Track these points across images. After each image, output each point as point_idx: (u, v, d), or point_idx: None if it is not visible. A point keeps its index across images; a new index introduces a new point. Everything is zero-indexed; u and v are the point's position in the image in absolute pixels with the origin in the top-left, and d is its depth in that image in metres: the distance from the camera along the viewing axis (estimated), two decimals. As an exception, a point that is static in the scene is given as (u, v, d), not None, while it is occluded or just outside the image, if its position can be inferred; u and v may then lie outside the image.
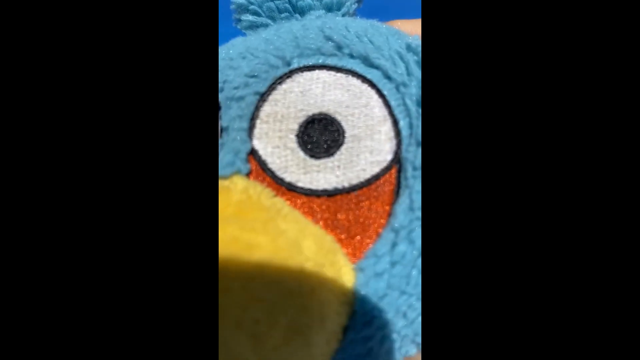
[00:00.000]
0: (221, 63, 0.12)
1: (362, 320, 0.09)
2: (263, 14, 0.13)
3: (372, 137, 0.10)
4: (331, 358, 0.09)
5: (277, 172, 0.10)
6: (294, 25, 0.12)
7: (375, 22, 0.12)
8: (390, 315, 0.09)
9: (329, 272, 0.09)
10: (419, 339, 0.10)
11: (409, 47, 0.11)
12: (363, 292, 0.09)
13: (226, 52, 0.12)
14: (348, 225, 0.10)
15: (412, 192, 0.10)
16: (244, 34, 0.14)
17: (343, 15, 0.13)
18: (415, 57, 0.11)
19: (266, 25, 0.13)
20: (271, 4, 0.13)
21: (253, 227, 0.09)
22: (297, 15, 0.13)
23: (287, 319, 0.08)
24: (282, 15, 0.13)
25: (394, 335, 0.09)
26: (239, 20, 0.14)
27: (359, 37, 0.11)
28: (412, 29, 0.14)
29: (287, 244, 0.09)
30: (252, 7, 0.13)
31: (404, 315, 0.09)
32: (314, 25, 0.12)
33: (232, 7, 0.14)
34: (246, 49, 0.12)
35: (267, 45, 0.11)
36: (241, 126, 0.10)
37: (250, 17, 0.13)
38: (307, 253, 0.09)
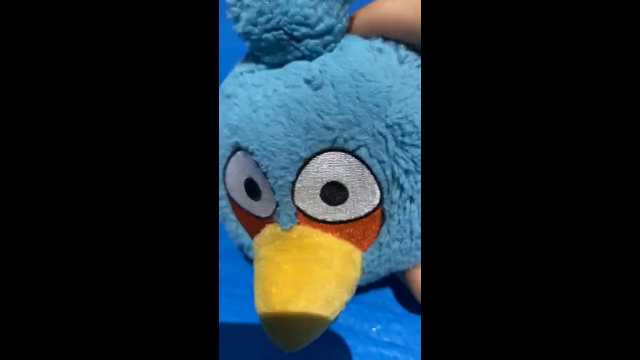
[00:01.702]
0: (260, 151, 0.16)
1: (366, 272, 0.18)
2: (264, 42, 0.16)
3: (365, 192, 0.16)
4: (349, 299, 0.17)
5: (313, 216, 0.17)
6: (300, 111, 0.15)
7: (360, 86, 0.15)
8: (381, 268, 0.18)
9: (349, 266, 0.17)
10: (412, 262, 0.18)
11: (388, 126, 0.15)
12: (368, 263, 0.18)
13: (257, 134, 0.16)
14: (354, 234, 0.17)
15: (390, 225, 0.17)
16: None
17: (335, 35, 0.16)
18: (392, 134, 0.15)
19: (269, 50, 0.16)
20: (269, 36, 0.15)
21: (308, 261, 0.17)
22: (294, 42, 0.16)
23: (332, 293, 0.16)
24: (282, 43, 0.16)
25: (387, 270, 0.18)
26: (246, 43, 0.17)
27: (350, 122, 0.15)
28: (414, 13, 0.15)
29: (325, 265, 0.16)
30: (252, 37, 0.16)
31: (391, 267, 0.18)
32: (314, 111, 0.15)
33: (235, 30, 0.16)
34: (273, 140, 0.16)
35: (286, 141, 0.16)
36: (288, 200, 0.16)
37: (252, 44, 0.16)
38: (336, 264, 0.17)
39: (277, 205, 0.17)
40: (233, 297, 0.22)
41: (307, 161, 0.16)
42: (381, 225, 0.17)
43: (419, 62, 0.16)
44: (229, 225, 0.20)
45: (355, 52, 0.16)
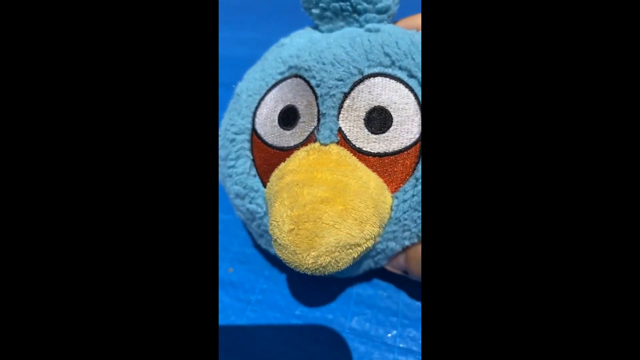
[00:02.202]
0: (313, 62, 0.17)
1: (394, 219, 0.16)
2: (329, 10, 0.19)
3: (408, 123, 0.16)
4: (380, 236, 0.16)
5: (352, 142, 0.16)
6: (364, 39, 0.17)
7: (414, 38, 0.17)
8: (408, 221, 0.17)
9: (382, 197, 0.16)
10: (419, 235, 0.17)
11: None
12: (397, 205, 0.16)
13: (314, 52, 0.18)
14: (390, 172, 0.16)
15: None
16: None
17: (389, 16, 0.19)
18: None
19: (330, 18, 0.19)
20: (336, 5, 0.18)
21: (346, 174, 0.15)
22: (355, 14, 0.19)
23: (366, 214, 0.15)
24: (344, 13, 0.19)
25: (409, 231, 0.17)
26: (309, 11, 0.19)
27: (406, 55, 0.17)
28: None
29: (362, 183, 0.15)
30: (321, 4, 0.18)
31: (415, 221, 0.17)
32: (377, 42, 0.17)
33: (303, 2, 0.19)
34: (333, 55, 0.17)
35: (346, 55, 0.17)
36: (334, 113, 0.17)
37: (317, 11, 0.19)
38: (372, 187, 0.16)
39: (320, 119, 0.17)
40: (246, 303, 0.22)
41: (362, 79, 0.16)
42: (417, 162, 0.16)
43: None
44: (243, 163, 0.19)
45: (398, 29, 0.18)
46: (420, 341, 0.19)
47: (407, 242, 0.17)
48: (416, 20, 0.20)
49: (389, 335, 0.20)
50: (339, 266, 0.14)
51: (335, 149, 0.16)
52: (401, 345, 0.19)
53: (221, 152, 0.20)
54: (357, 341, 0.20)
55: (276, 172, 0.17)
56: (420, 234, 0.17)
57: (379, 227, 0.15)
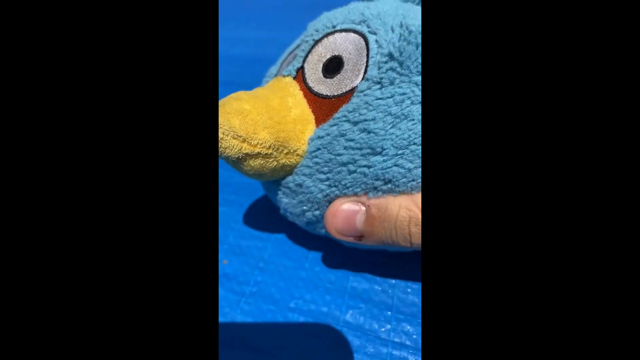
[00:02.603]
0: (313, 23, 0.21)
1: (308, 153, 0.18)
2: None
3: (353, 72, 0.17)
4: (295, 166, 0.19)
5: (307, 80, 0.19)
6: (361, 4, 0.20)
7: (414, 8, 0.19)
8: (319, 159, 0.18)
9: (299, 124, 0.18)
10: (337, 186, 0.18)
11: (403, 25, 0.17)
12: (312, 139, 0.18)
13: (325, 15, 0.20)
14: (323, 113, 0.18)
15: (350, 104, 0.17)
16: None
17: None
18: (401, 30, 0.16)
19: None
20: None
21: (276, 93, 0.18)
22: None
23: (266, 123, 0.17)
24: None
25: (323, 174, 0.18)
26: None
27: (379, 15, 0.18)
28: None
29: (284, 105, 0.18)
30: None
31: (327, 164, 0.18)
32: (365, 5, 0.19)
33: None
34: (327, 15, 0.20)
35: (333, 14, 0.20)
36: (302, 55, 0.19)
37: None
38: (292, 114, 0.18)
39: (295, 55, 0.20)
40: (240, 295, 0.22)
41: (333, 32, 0.19)
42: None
43: None
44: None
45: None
46: (414, 336, 0.19)
47: (322, 186, 0.18)
48: None
49: (383, 329, 0.20)
50: (222, 148, 0.17)
51: (287, 79, 0.19)
52: (395, 340, 0.19)
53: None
54: (351, 335, 0.20)
55: None
56: (336, 186, 0.18)
57: (276, 141, 0.17)
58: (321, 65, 0.18)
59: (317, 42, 0.19)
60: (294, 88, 0.19)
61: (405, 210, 0.16)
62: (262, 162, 0.18)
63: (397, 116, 0.16)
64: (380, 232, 0.17)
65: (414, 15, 0.18)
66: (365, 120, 0.16)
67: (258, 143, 0.17)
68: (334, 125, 0.17)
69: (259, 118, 0.17)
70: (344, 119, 0.17)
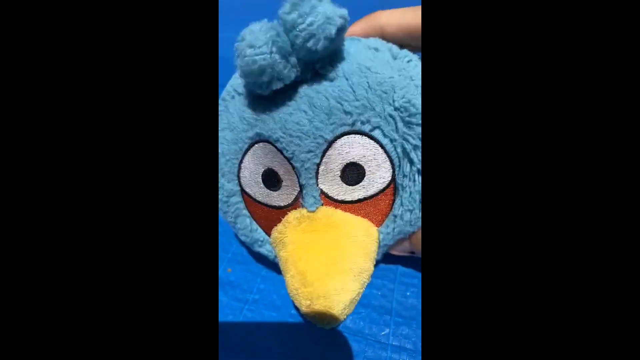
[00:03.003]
0: (285, 137, 0.18)
1: (382, 246, 0.19)
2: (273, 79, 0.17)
3: (380, 171, 0.18)
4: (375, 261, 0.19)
5: (334, 197, 0.19)
6: (321, 98, 0.17)
7: (371, 77, 0.17)
8: (392, 243, 0.20)
9: (369, 237, 0.19)
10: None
11: (396, 109, 0.17)
12: (383, 237, 0.19)
13: (282, 123, 0.18)
14: (369, 211, 0.19)
15: (402, 198, 0.18)
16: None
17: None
18: (400, 115, 0.17)
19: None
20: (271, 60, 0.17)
21: (336, 236, 0.18)
22: (293, 57, 0.17)
23: (361, 265, 0.18)
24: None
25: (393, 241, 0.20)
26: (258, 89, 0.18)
27: (365, 107, 0.17)
28: (398, 20, 0.19)
29: (352, 239, 0.18)
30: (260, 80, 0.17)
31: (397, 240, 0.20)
32: (334, 99, 0.17)
33: None
34: (298, 127, 0.17)
35: (311, 126, 0.17)
36: (313, 182, 0.18)
37: (265, 90, 0.17)
38: (360, 236, 0.18)
39: (302, 189, 0.18)
40: (244, 302, 0.22)
41: (330, 144, 0.18)
42: (393, 201, 0.18)
43: (409, 58, 0.19)
44: (242, 221, 0.21)
45: (357, 50, 0.18)
46: (413, 339, 0.20)
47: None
48: (382, 17, 0.20)
49: (383, 333, 0.20)
50: (351, 310, 0.17)
51: (321, 212, 0.19)
52: (394, 343, 0.19)
53: (220, 208, 0.22)
54: (351, 339, 0.20)
55: (276, 235, 0.20)
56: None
57: (372, 264, 0.18)
58: (338, 178, 0.18)
59: (319, 164, 0.18)
60: (334, 213, 0.18)
61: None
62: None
63: None
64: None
65: (386, 77, 0.17)
66: (418, 202, 0.18)
67: (365, 282, 0.18)
68: (397, 219, 0.19)
69: (357, 268, 0.17)
70: (406, 210, 0.18)
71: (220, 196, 0.21)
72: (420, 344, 0.19)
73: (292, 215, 0.19)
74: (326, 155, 0.18)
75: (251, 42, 0.16)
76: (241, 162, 0.20)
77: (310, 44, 0.15)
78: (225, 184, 0.20)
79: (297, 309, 0.19)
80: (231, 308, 0.22)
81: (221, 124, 0.20)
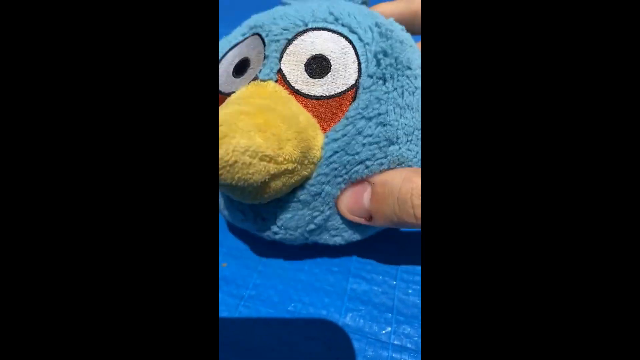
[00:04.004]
0: (267, 20, 0.19)
1: (324, 159, 0.17)
2: None
3: (345, 70, 0.17)
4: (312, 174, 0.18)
5: (291, 83, 0.18)
6: (314, 3, 0.19)
7: (363, 7, 0.20)
8: (337, 164, 0.17)
9: (310, 131, 0.17)
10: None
11: (376, 24, 0.18)
12: (327, 143, 0.17)
13: (270, 14, 0.20)
14: (324, 115, 0.17)
15: (360, 101, 0.17)
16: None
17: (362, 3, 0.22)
18: (378, 29, 0.18)
19: None
20: None
21: (276, 102, 0.16)
22: None
23: (287, 135, 0.15)
24: None
25: (341, 177, 0.18)
26: None
27: (349, 15, 0.19)
28: (391, 9, 0.23)
29: (291, 113, 0.16)
30: None
31: (345, 166, 0.17)
32: (325, 4, 0.19)
33: None
34: (284, 13, 0.19)
35: (295, 12, 0.19)
36: (276, 55, 0.18)
37: None
38: (300, 120, 0.16)
39: (263, 62, 0.18)
40: (239, 299, 0.22)
41: (306, 30, 0.18)
42: (348, 109, 0.17)
43: (406, 33, 0.20)
44: None
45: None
46: (415, 338, 0.19)
47: (336, 190, 0.18)
48: (385, 9, 0.23)
49: (384, 332, 0.19)
50: (250, 174, 0.14)
51: (271, 84, 0.17)
52: (395, 342, 0.19)
53: None
54: (351, 337, 0.19)
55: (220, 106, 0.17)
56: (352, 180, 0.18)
57: (302, 154, 0.16)
58: (302, 66, 0.18)
59: (290, 41, 0.18)
60: (284, 92, 0.17)
61: (407, 182, 0.16)
62: (284, 180, 0.16)
63: (402, 107, 0.17)
64: (386, 209, 0.17)
65: (370, 15, 0.19)
66: (379, 114, 0.17)
67: (284, 159, 0.15)
68: (349, 124, 0.17)
69: (279, 131, 0.15)
70: (359, 116, 0.17)
71: None
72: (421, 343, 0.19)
73: (242, 87, 0.18)
74: (299, 38, 0.18)
75: None
76: (224, 56, 0.20)
77: None
78: None
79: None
80: (226, 304, 0.21)
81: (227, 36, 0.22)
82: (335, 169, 0.17)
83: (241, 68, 0.19)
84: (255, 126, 0.14)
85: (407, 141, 0.18)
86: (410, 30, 0.21)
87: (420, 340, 0.19)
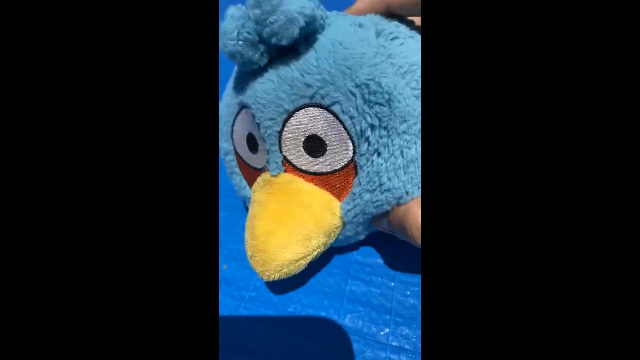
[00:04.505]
0: (255, 104, 0.19)
1: (347, 223, 0.20)
2: (238, 54, 0.18)
3: (340, 146, 0.18)
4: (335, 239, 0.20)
5: (297, 166, 0.19)
6: (286, 70, 0.18)
7: (337, 52, 0.17)
8: (360, 219, 0.19)
9: (328, 210, 0.19)
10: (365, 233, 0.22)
11: (357, 85, 0.17)
12: (345, 212, 0.19)
13: (253, 89, 0.19)
14: (335, 186, 0.19)
15: (360, 178, 0.18)
16: None
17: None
18: (360, 92, 0.17)
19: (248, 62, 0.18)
20: (237, 45, 0.18)
21: (290, 202, 0.19)
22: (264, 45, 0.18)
23: (309, 232, 0.19)
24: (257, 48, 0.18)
25: (364, 224, 0.20)
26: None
27: (326, 81, 0.17)
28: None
29: (305, 206, 0.19)
30: (227, 50, 0.18)
31: (365, 219, 0.20)
32: (297, 71, 0.18)
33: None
34: (264, 94, 0.18)
35: (275, 95, 0.18)
36: (275, 149, 0.19)
37: (237, 59, 0.18)
38: (315, 207, 0.19)
39: (268, 153, 0.19)
40: (240, 300, 0.22)
41: (290, 114, 0.18)
42: (353, 179, 0.19)
43: (395, 35, 0.19)
44: (235, 178, 0.23)
45: (338, 26, 0.18)
46: (413, 339, 0.19)
47: (366, 232, 0.21)
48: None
49: (382, 333, 0.20)
50: (295, 272, 0.19)
51: (282, 178, 0.19)
52: (394, 344, 0.19)
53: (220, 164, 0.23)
54: (350, 339, 0.19)
55: (251, 194, 0.21)
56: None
57: (326, 236, 0.19)
58: (301, 148, 0.19)
59: (280, 131, 0.18)
60: (293, 180, 0.19)
61: (409, 214, 0.18)
62: (313, 258, 0.19)
63: (404, 165, 0.18)
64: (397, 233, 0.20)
65: (356, 54, 0.17)
66: (381, 184, 0.18)
67: (314, 249, 0.19)
68: (357, 198, 0.19)
69: (303, 232, 0.18)
70: (364, 190, 0.18)
71: (220, 154, 0.23)
72: (420, 344, 0.19)
73: (260, 178, 0.20)
74: (287, 124, 0.18)
75: (223, 28, 0.17)
76: (233, 124, 0.21)
77: (274, 40, 0.16)
78: (223, 144, 0.22)
79: None
80: (227, 306, 0.22)
81: (227, 96, 0.22)
82: (359, 224, 0.20)
83: (251, 144, 0.20)
84: (280, 242, 0.18)
85: (418, 188, 0.18)
86: (387, 13, 0.20)
87: (417, 342, 0.19)
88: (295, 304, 0.21)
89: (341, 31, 0.18)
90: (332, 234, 0.19)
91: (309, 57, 0.18)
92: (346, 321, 0.20)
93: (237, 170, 0.22)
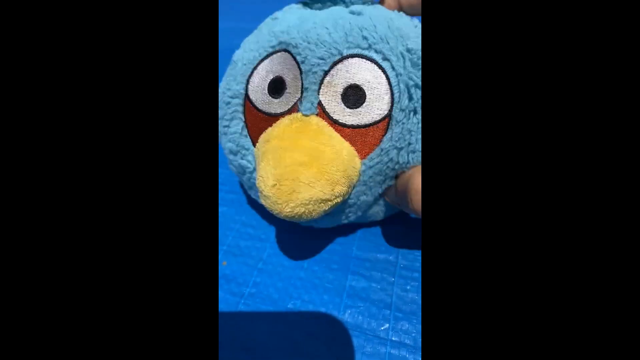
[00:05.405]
0: (300, 39, 0.19)
1: (361, 181, 0.19)
2: None
3: (379, 101, 0.18)
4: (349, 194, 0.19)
5: (330, 114, 0.19)
6: (345, 22, 0.19)
7: (392, 23, 0.19)
8: (372, 183, 0.20)
9: (352, 162, 0.18)
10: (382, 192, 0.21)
11: (407, 50, 0.19)
12: (364, 170, 0.19)
13: (302, 30, 0.20)
14: (361, 142, 0.19)
15: (393, 134, 0.18)
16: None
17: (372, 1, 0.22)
18: (410, 57, 0.18)
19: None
20: None
21: (322, 142, 0.18)
22: None
23: (337, 177, 0.18)
24: None
25: (372, 189, 0.20)
26: None
27: (382, 39, 0.19)
28: None
29: (336, 151, 0.18)
30: None
31: (378, 183, 0.20)
32: (357, 25, 0.19)
33: None
34: (317, 36, 0.19)
35: (329, 37, 0.19)
36: (315, 88, 0.19)
37: None
38: (344, 155, 0.18)
39: (303, 92, 0.19)
40: (239, 296, 0.22)
41: (342, 59, 0.19)
42: (384, 135, 0.19)
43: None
44: (236, 124, 0.22)
45: (383, 9, 0.21)
46: (413, 334, 0.19)
47: (371, 198, 0.21)
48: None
49: (382, 328, 0.20)
50: (312, 216, 0.18)
51: (314, 119, 0.19)
52: (394, 339, 0.19)
53: (220, 108, 0.22)
54: (351, 334, 0.19)
55: (263, 135, 0.20)
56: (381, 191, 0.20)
57: (348, 187, 0.18)
58: (339, 96, 0.19)
59: (326, 72, 0.19)
60: (326, 128, 0.19)
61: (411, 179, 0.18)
62: (331, 206, 0.18)
63: None
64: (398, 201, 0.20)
65: (406, 29, 0.19)
66: (409, 144, 0.18)
67: (336, 197, 0.18)
68: (384, 154, 0.19)
69: (331, 176, 0.17)
70: (392, 147, 0.19)
71: (223, 97, 0.22)
72: (420, 339, 0.19)
73: (286, 118, 0.19)
74: (335, 68, 0.19)
75: None
76: (255, 68, 0.21)
77: None
78: (234, 86, 0.21)
79: (257, 198, 0.21)
80: (226, 302, 0.22)
81: (250, 43, 0.22)
82: (370, 186, 0.20)
83: (276, 88, 0.20)
84: (313, 176, 0.17)
85: None
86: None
87: (418, 336, 0.19)
88: (295, 300, 0.21)
89: (387, 12, 0.20)
90: (350, 189, 0.19)
91: (365, 18, 0.19)
92: (346, 317, 0.20)
93: (241, 116, 0.21)
